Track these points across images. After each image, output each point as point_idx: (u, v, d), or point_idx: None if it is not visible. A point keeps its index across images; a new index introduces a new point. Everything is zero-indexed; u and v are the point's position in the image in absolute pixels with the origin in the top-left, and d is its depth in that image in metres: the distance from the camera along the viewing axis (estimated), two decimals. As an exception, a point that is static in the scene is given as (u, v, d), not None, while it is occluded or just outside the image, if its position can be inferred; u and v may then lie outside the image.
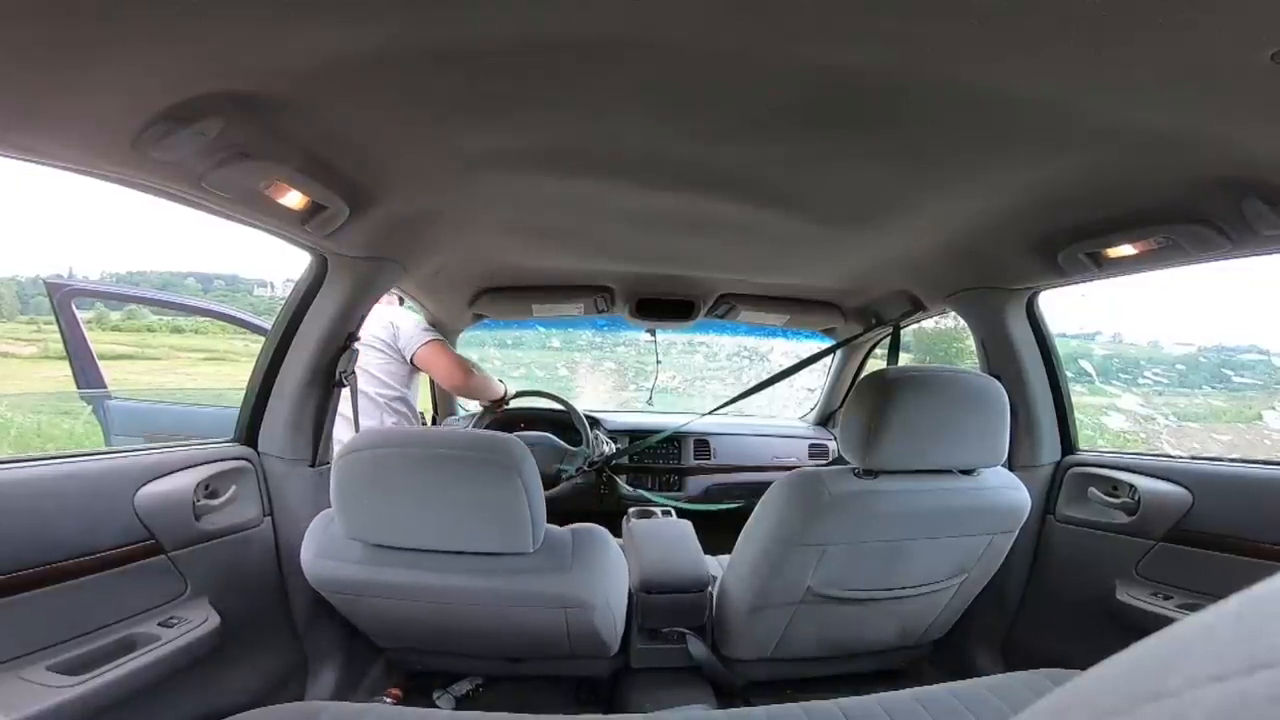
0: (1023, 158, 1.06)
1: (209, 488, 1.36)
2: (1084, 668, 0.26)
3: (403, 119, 1.00)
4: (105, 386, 2.81)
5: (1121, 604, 1.43)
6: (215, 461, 1.40)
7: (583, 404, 2.54)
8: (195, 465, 1.35)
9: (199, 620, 1.25)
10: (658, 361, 2.93)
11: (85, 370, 2.75)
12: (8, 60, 0.69)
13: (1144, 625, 1.36)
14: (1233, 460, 1.45)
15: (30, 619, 1.02)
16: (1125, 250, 1.27)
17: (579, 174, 1.23)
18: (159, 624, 1.20)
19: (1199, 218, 1.11)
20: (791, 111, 0.94)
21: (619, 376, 3.85)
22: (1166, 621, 0.25)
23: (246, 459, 1.48)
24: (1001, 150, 1.04)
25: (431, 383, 2.72)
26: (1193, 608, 1.31)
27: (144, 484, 1.24)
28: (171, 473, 1.30)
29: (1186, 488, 1.42)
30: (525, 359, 3.83)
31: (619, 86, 0.88)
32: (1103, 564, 1.52)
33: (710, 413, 2.50)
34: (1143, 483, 1.49)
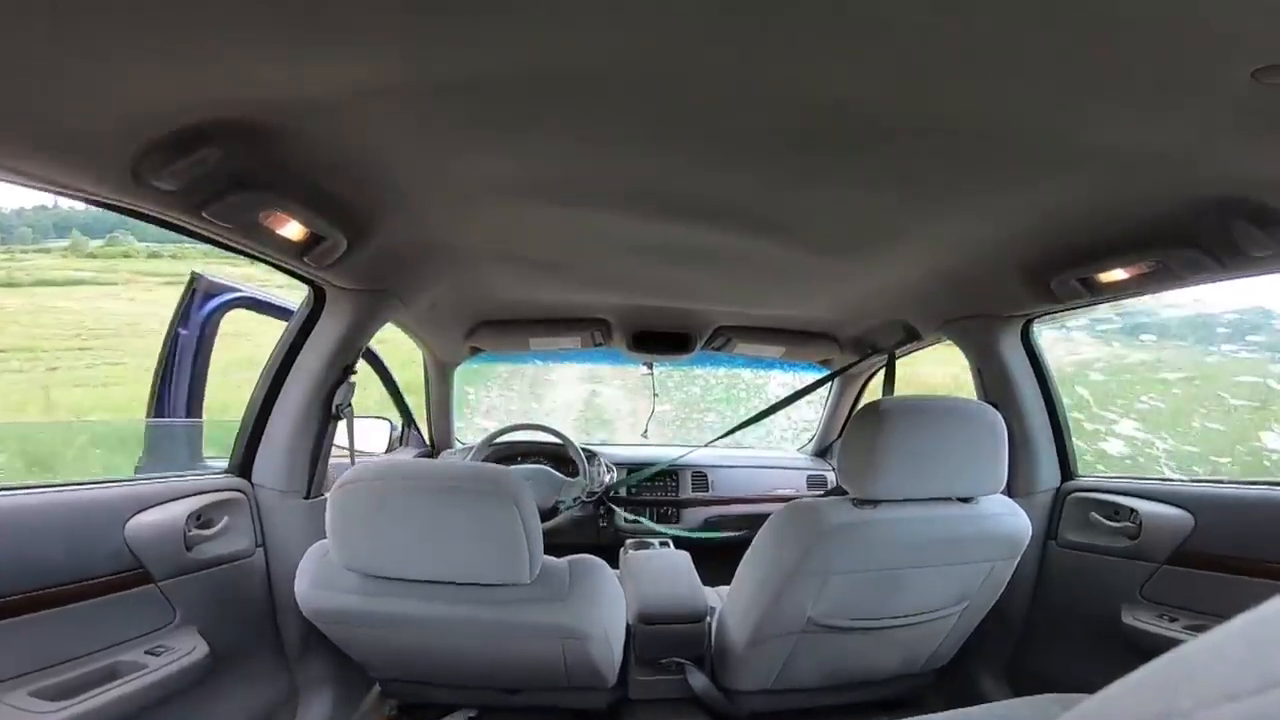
0: (1014, 186, 1.07)
1: (201, 518, 1.35)
2: (1091, 692, 0.26)
3: (402, 150, 1.02)
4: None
5: (1128, 627, 1.42)
6: (208, 492, 1.39)
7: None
8: (187, 496, 1.34)
9: (187, 649, 1.24)
10: (654, 395, 2.94)
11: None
12: (6, 84, 0.70)
13: (1151, 648, 1.33)
14: (1233, 481, 1.46)
15: (14, 644, 1.01)
16: (1118, 275, 1.28)
17: (577, 204, 1.24)
18: (146, 652, 1.19)
19: (1190, 241, 1.12)
20: (788, 141, 0.96)
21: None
22: (1174, 643, 0.24)
23: (240, 490, 1.47)
24: (992, 177, 1.05)
25: (428, 412, 2.71)
26: (1199, 629, 1.30)
27: (135, 514, 1.23)
28: (163, 503, 1.29)
29: (1188, 510, 1.41)
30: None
31: (617, 117, 0.90)
32: (1107, 588, 1.51)
33: (708, 444, 2.49)
34: (1144, 506, 1.49)
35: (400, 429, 2.68)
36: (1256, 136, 0.83)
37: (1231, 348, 2.59)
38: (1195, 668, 0.21)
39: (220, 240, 1.15)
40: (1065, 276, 1.35)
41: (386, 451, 2.45)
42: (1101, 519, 1.57)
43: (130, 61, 0.70)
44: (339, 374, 1.55)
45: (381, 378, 2.53)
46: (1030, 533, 1.40)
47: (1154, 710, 0.20)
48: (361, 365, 1.67)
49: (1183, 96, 0.76)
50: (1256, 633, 0.20)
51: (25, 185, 0.89)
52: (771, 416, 2.36)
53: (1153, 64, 0.70)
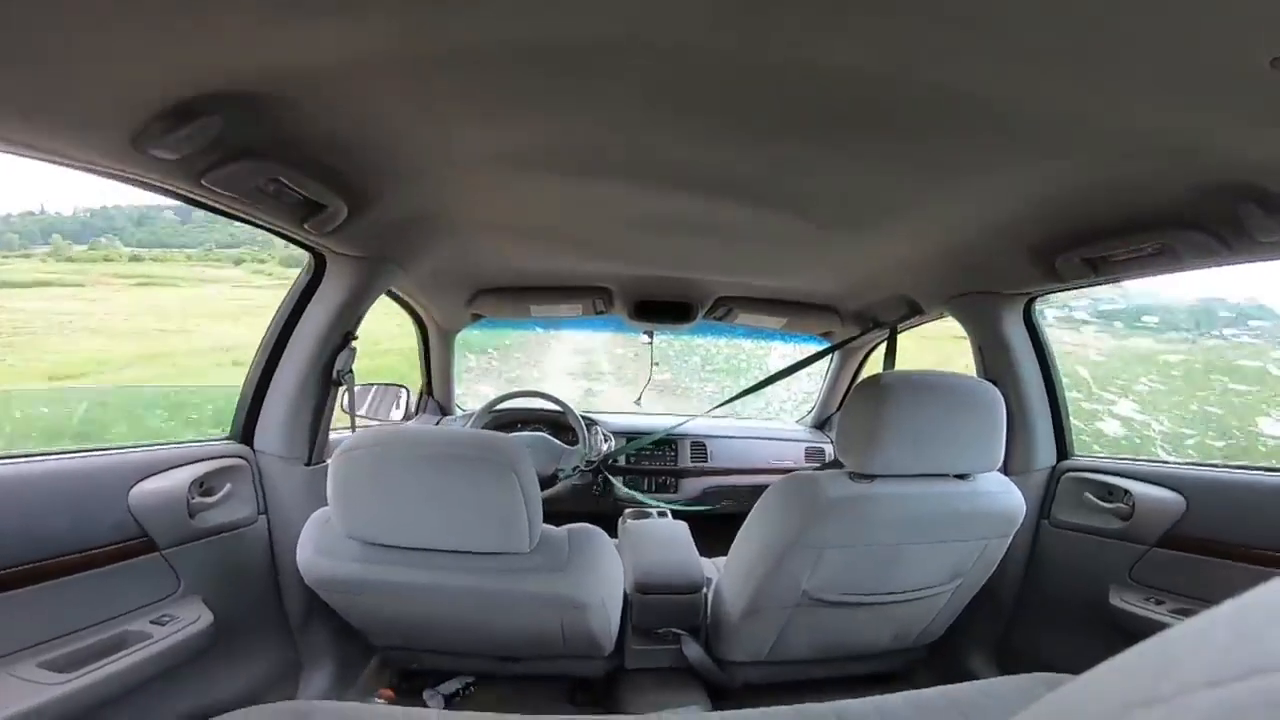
0: (1021, 164, 1.06)
1: (204, 485, 1.35)
2: (1078, 672, 0.26)
3: (403, 119, 1.00)
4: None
5: (1115, 609, 1.44)
6: (210, 459, 1.40)
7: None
8: (190, 463, 1.35)
9: (192, 618, 1.25)
10: (653, 364, 2.94)
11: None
12: (6, 57, 0.69)
13: (1137, 630, 1.36)
14: (1227, 465, 1.46)
15: (21, 616, 1.02)
16: (1123, 256, 1.27)
17: (579, 175, 1.23)
18: (151, 621, 1.20)
19: (1197, 224, 1.11)
20: (792, 115, 0.94)
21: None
22: (1159, 627, 0.25)
23: (242, 457, 1.48)
24: (1000, 156, 1.04)
25: (428, 377, 2.72)
26: (1185, 613, 1.32)
27: (138, 481, 1.24)
28: (166, 470, 1.30)
29: (1180, 493, 1.42)
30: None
31: (619, 88, 0.88)
32: (1097, 569, 1.53)
33: (707, 413, 2.50)
34: (1137, 488, 1.49)
35: (419, 396, 2.69)
36: (1271, 124, 0.82)
37: (1233, 331, 2.59)
38: (1180, 653, 0.21)
39: (220, 208, 1.14)
40: (1070, 256, 1.34)
41: (404, 419, 2.46)
42: (1095, 499, 1.58)
43: (130, 32, 0.69)
44: (339, 340, 1.54)
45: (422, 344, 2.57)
46: (1024, 511, 1.41)
47: (1137, 694, 0.21)
48: (367, 333, 1.66)
49: (1199, 82, 0.74)
50: (1241, 620, 0.21)
51: (25, 156, 0.87)
52: (771, 387, 2.36)
53: (1171, 49, 0.68)
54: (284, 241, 1.36)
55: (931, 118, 0.92)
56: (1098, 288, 1.65)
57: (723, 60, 0.79)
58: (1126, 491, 1.51)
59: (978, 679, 1.23)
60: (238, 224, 1.27)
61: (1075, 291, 1.67)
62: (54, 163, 0.91)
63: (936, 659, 1.75)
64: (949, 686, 1.17)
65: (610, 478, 2.52)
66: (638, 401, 2.92)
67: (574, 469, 2.33)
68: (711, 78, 0.84)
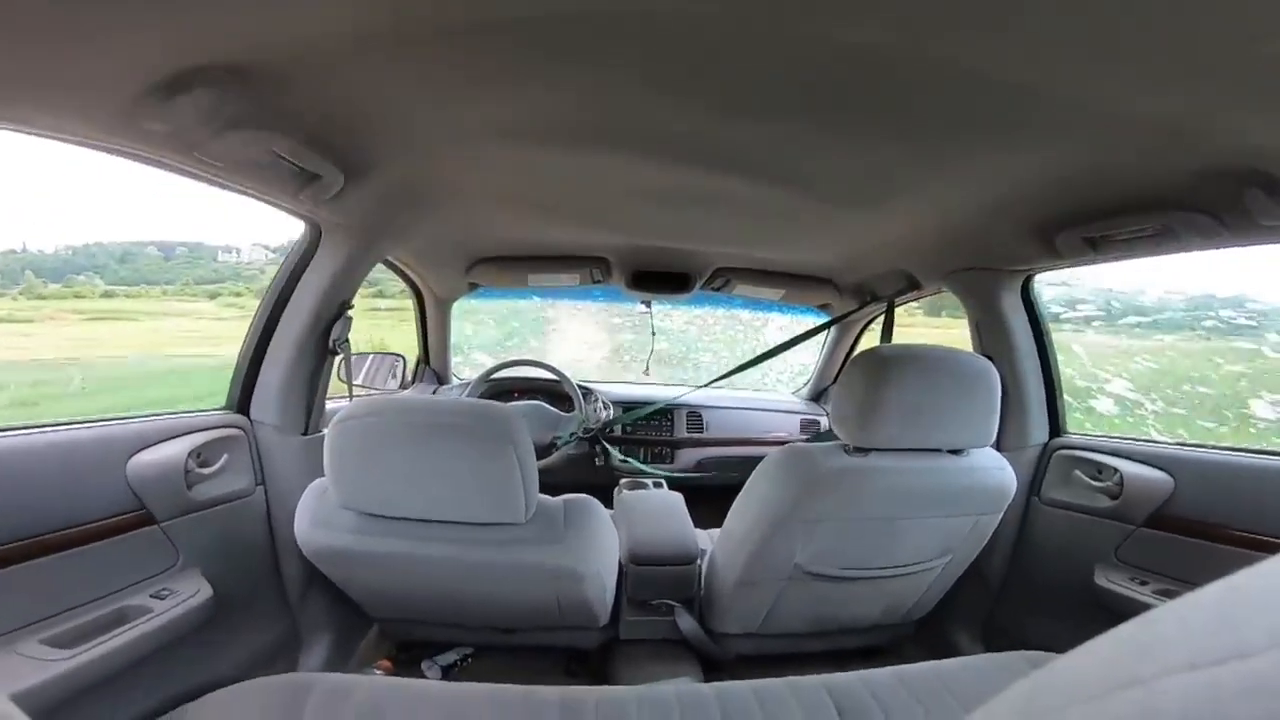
0: (1024, 142, 1.05)
1: (200, 456, 1.35)
2: (1062, 651, 0.27)
3: (399, 90, 0.98)
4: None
5: (1100, 588, 1.46)
6: (207, 429, 1.40)
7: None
8: (187, 433, 1.35)
9: (191, 592, 1.26)
10: (653, 334, 2.93)
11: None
12: None
13: (1121, 610, 1.39)
14: (1216, 447, 1.47)
15: (23, 592, 1.02)
16: (1123, 235, 1.26)
17: (578, 147, 1.21)
18: (151, 595, 1.21)
19: (1198, 206, 1.10)
20: (794, 89, 0.93)
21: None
22: (1143, 607, 0.25)
23: (239, 427, 1.48)
24: (1003, 134, 1.03)
25: (425, 345, 2.72)
26: (1168, 594, 1.34)
27: (135, 452, 1.24)
28: (163, 441, 1.29)
29: (1169, 473, 1.43)
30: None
31: (621, 60, 0.87)
32: (1084, 548, 1.54)
33: (704, 386, 2.50)
34: (1127, 467, 1.51)
35: (416, 365, 2.69)
36: (1275, 108, 0.81)
37: (1230, 313, 2.59)
38: (1162, 635, 0.22)
39: (214, 179, 1.12)
40: (1071, 234, 1.34)
41: (401, 388, 2.45)
42: (1084, 478, 1.59)
43: (122, 5, 0.67)
44: (335, 310, 1.54)
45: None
46: (1015, 488, 1.43)
47: (1120, 674, 0.21)
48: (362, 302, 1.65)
49: (1203, 66, 0.73)
50: (1223, 603, 0.21)
51: (16, 131, 0.86)
52: (768, 360, 2.37)
53: (1176, 32, 0.67)
54: (265, 272, 1.35)
55: (935, 96, 0.91)
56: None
57: (726, 32, 0.78)
58: (1116, 470, 1.52)
59: (964, 655, 1.26)
60: (221, 259, 1.26)
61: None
62: (47, 137, 0.90)
63: (924, 635, 1.78)
64: (935, 662, 1.19)
65: (607, 446, 2.53)
66: (646, 372, 2.94)
67: (571, 435, 2.34)
68: (715, 50, 0.82)
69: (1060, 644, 0.35)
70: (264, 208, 1.29)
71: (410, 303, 2.62)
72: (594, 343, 3.89)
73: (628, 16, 0.75)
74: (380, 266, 1.89)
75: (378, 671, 1.55)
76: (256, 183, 1.16)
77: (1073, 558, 1.56)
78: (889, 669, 1.17)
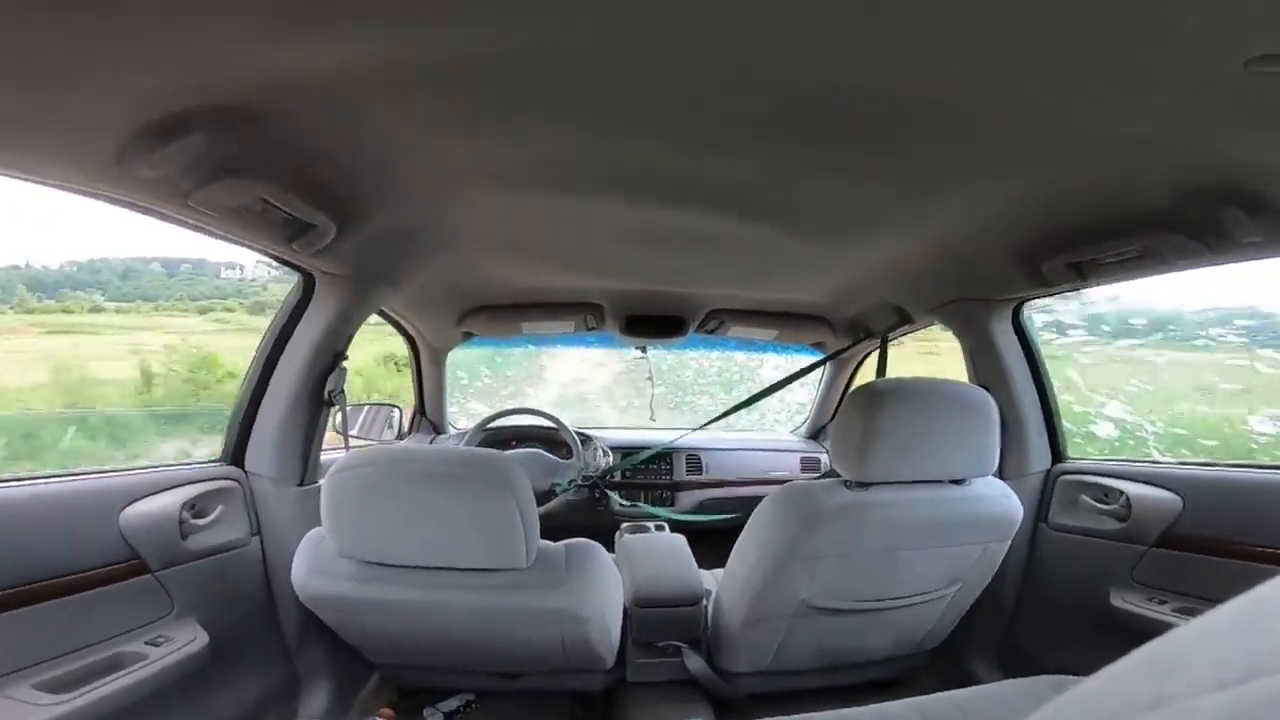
0: (1005, 171, 1.07)
1: (195, 507, 1.35)
2: (1081, 674, 0.26)
3: (390, 136, 1.00)
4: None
5: (1117, 610, 1.44)
6: (201, 481, 1.39)
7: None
8: (181, 485, 1.34)
9: (187, 639, 1.25)
10: (650, 378, 2.94)
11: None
12: None
13: (1141, 630, 1.36)
14: (1221, 464, 1.47)
15: (16, 637, 1.01)
16: (1108, 260, 1.28)
17: (568, 189, 1.23)
18: (146, 642, 1.19)
19: (1179, 227, 1.12)
20: (781, 126, 0.95)
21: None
22: (1163, 626, 0.25)
23: (233, 479, 1.47)
24: (984, 164, 1.05)
25: (421, 396, 2.71)
26: (1189, 612, 1.32)
27: (129, 504, 1.23)
28: (157, 493, 1.29)
29: (1176, 493, 1.43)
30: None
31: (605, 102, 0.89)
32: (1097, 570, 1.53)
33: (702, 427, 2.50)
34: (1132, 489, 1.50)
35: (412, 415, 2.68)
36: (1249, 125, 0.83)
37: (1220, 331, 2.63)
38: (1186, 653, 0.21)
39: (208, 229, 1.13)
40: (1056, 261, 1.36)
41: (397, 439, 2.44)
42: (1091, 501, 1.58)
43: (111, 49, 0.69)
44: (330, 360, 1.54)
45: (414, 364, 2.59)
46: (1021, 515, 1.42)
47: (1145, 695, 0.20)
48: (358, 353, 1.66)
49: (1176, 85, 0.75)
50: (1246, 618, 0.21)
51: (8, 176, 0.87)
52: (765, 399, 2.37)
53: (1147, 53, 0.69)
54: (267, 289, 1.36)
55: (915, 128, 0.93)
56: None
57: (712, 74, 0.80)
58: (1122, 493, 1.51)
59: (981, 683, 1.22)
60: (225, 276, 1.28)
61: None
62: (37, 182, 0.91)
63: (939, 664, 1.74)
64: (953, 692, 1.16)
65: (607, 491, 2.51)
66: (652, 418, 2.94)
67: (570, 483, 2.32)
68: (702, 91, 0.85)
69: (1080, 667, 0.33)
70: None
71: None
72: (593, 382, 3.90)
73: (617, 58, 0.77)
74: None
75: (379, 719, 1.52)
76: (249, 232, 1.18)
77: (1086, 581, 1.54)
78: (906, 701, 1.13)
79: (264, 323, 1.60)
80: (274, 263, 1.40)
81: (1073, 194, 1.14)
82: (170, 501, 1.29)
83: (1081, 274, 1.36)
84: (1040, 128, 0.90)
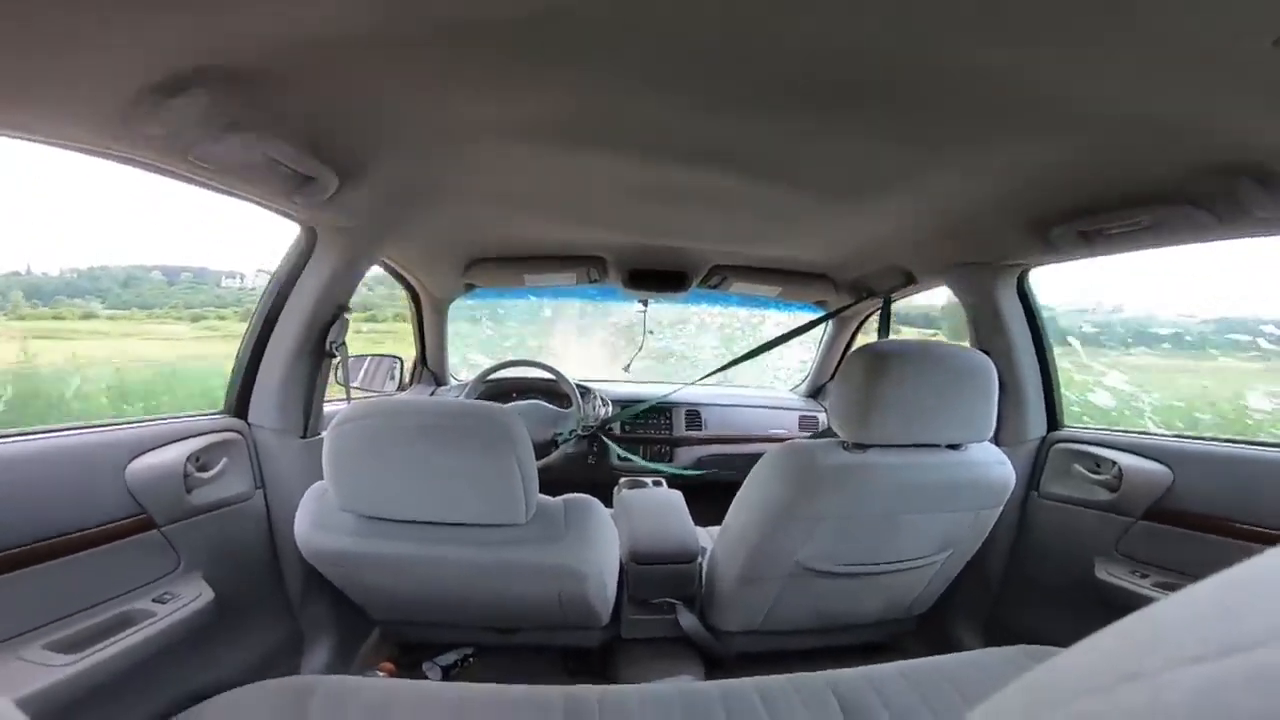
0: (1018, 137, 1.05)
1: (199, 460, 1.35)
2: (1063, 644, 0.27)
3: (395, 90, 0.98)
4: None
5: (1100, 581, 1.46)
6: (206, 434, 1.39)
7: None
8: (186, 438, 1.34)
9: (193, 596, 1.26)
10: (647, 332, 2.93)
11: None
12: None
13: (1122, 603, 1.39)
14: (1214, 439, 1.47)
15: (26, 597, 1.02)
16: (1117, 230, 1.27)
17: (574, 145, 1.21)
18: (153, 600, 1.21)
19: (1192, 199, 1.10)
20: (791, 86, 0.93)
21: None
22: (1143, 601, 0.25)
23: (237, 430, 1.48)
24: (997, 129, 1.03)
25: (422, 347, 2.71)
26: (1169, 587, 1.34)
27: (135, 457, 1.23)
28: (162, 445, 1.29)
29: (1167, 465, 1.44)
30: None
31: (616, 58, 0.86)
32: (1084, 541, 1.55)
33: (701, 380, 2.50)
34: (1125, 459, 1.51)
35: (413, 367, 2.68)
36: (1276, 104, 0.81)
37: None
38: (1165, 628, 0.22)
39: (207, 183, 1.12)
40: (1065, 229, 1.34)
41: (398, 389, 2.44)
42: (1084, 471, 1.59)
43: (115, 9, 0.67)
44: (332, 312, 1.53)
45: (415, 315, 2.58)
46: (1014, 482, 1.43)
47: (1124, 667, 0.21)
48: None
49: (1199, 61, 0.74)
50: (1224, 595, 0.21)
51: (14, 138, 0.86)
52: (765, 355, 2.37)
53: (1174, 25, 0.67)
54: (253, 300, 1.35)
55: (930, 91, 0.91)
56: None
57: (722, 30, 0.78)
58: (1114, 463, 1.52)
59: (965, 650, 1.26)
60: (225, 284, 1.26)
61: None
62: (42, 142, 0.89)
63: (926, 630, 1.78)
64: (938, 657, 1.19)
65: (607, 444, 2.53)
66: (627, 369, 2.91)
67: (571, 433, 2.34)
68: (710, 48, 0.82)
69: (1062, 638, 0.35)
70: (268, 233, 1.28)
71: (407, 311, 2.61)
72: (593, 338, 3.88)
73: (621, 14, 0.75)
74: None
75: (380, 673, 1.55)
76: (250, 186, 1.16)
77: (1073, 551, 1.56)
78: (892, 664, 1.16)
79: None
80: (275, 213, 1.38)
81: (1086, 164, 1.11)
82: (175, 455, 1.29)
83: (1089, 242, 1.35)
84: (1055, 96, 0.88)
